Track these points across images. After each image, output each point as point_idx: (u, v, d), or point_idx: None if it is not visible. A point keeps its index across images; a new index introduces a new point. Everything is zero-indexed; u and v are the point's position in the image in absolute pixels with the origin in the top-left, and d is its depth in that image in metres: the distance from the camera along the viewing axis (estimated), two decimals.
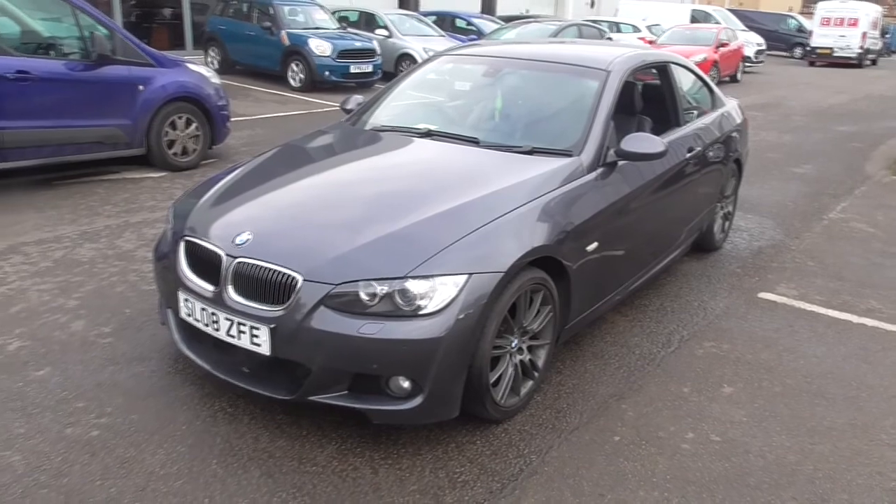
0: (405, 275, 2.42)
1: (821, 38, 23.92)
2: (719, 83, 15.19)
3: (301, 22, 12.46)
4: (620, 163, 3.30)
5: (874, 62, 25.69)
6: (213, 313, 2.60)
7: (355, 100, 4.15)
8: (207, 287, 2.65)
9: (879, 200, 6.53)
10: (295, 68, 11.94)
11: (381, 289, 2.41)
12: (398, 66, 13.46)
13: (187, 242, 2.80)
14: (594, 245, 3.05)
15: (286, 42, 11.92)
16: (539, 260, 2.74)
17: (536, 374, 2.91)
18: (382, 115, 3.83)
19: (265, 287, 2.52)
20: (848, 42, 23.49)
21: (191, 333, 2.87)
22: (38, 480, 2.36)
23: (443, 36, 14.46)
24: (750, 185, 6.73)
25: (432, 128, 3.53)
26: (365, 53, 12.23)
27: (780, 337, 3.67)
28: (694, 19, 21.82)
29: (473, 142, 3.36)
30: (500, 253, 2.58)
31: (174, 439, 2.61)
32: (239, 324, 2.53)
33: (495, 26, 15.68)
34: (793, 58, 27.01)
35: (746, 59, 18.46)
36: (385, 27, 13.88)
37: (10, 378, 2.94)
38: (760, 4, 38.07)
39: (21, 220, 4.85)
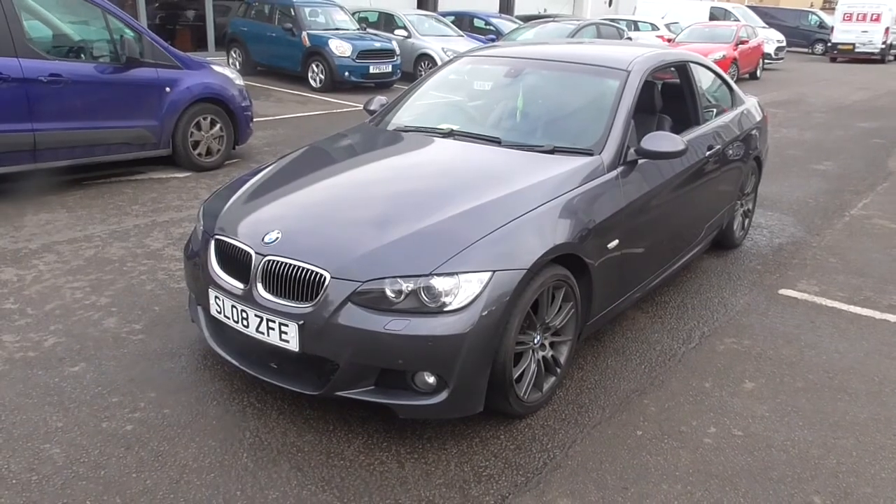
0: (430, 272, 2.47)
1: (843, 33, 23.60)
2: (739, 80, 15.07)
3: (321, 23, 12.58)
4: (641, 161, 3.33)
5: (895, 58, 25.28)
6: (242, 310, 2.68)
7: (378, 101, 4.22)
8: (237, 285, 2.73)
9: None
10: (315, 69, 12.05)
11: (406, 286, 2.47)
12: (417, 66, 13.54)
13: (217, 241, 2.88)
14: (615, 242, 3.08)
15: (307, 43, 12.04)
16: (561, 257, 2.78)
17: (559, 369, 2.95)
18: (405, 115, 3.90)
19: (294, 284, 2.59)
20: (870, 38, 23.14)
21: (220, 330, 2.95)
22: (77, 472, 2.44)
23: (461, 36, 14.51)
24: (771, 182, 6.70)
25: (455, 128, 3.58)
26: (384, 54, 12.31)
27: (802, 333, 3.68)
28: (713, 17, 21.63)
29: (495, 141, 3.40)
30: (524, 250, 2.63)
31: (205, 433, 2.69)
32: (268, 320, 2.60)
33: (514, 26, 15.69)
34: (814, 54, 26.69)
35: (766, 56, 18.28)
36: (404, 27, 13.96)
37: (48, 373, 3.04)
38: (781, 1, 37.65)
39: (53, 219, 4.99)
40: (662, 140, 3.24)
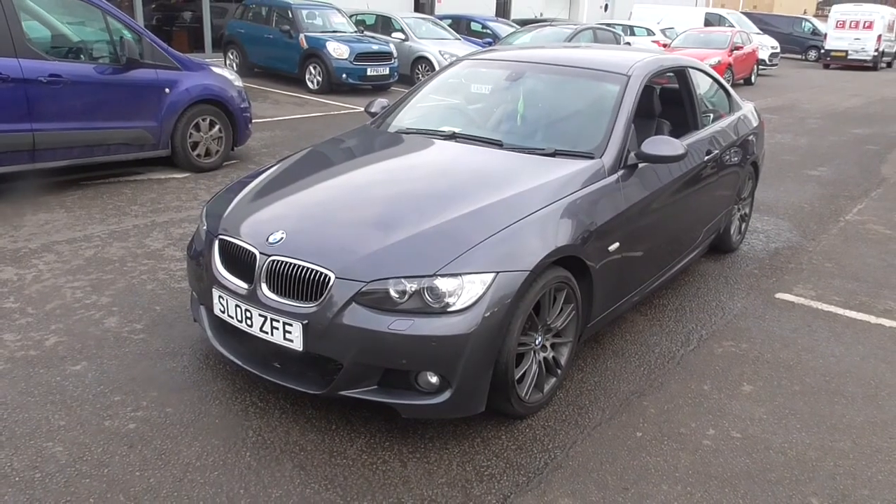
0: (434, 273, 2.50)
1: (835, 40, 23.81)
2: (734, 86, 15.17)
3: (319, 25, 12.60)
4: (641, 165, 3.36)
5: (889, 65, 25.53)
6: (246, 310, 2.69)
7: (379, 103, 4.24)
8: (241, 284, 2.74)
9: (895, 203, 6.54)
10: (313, 71, 12.07)
11: (410, 286, 2.49)
12: (414, 69, 13.58)
13: (221, 241, 2.89)
14: (615, 245, 3.11)
15: (304, 45, 12.06)
16: (563, 259, 2.81)
17: (559, 370, 2.98)
18: (407, 117, 3.92)
19: (298, 284, 2.60)
20: (863, 45, 23.36)
21: (223, 330, 2.96)
22: (80, 470, 2.45)
23: (458, 39, 14.56)
24: (766, 188, 6.75)
25: (456, 130, 3.61)
26: (382, 56, 12.34)
27: (799, 337, 3.71)
28: (708, 22, 21.78)
29: (497, 144, 3.43)
30: (526, 252, 2.65)
31: (208, 432, 2.70)
32: (272, 320, 2.62)
33: (510, 30, 15.76)
34: (807, 61, 26.91)
35: (761, 62, 18.41)
36: (402, 30, 14.00)
37: (49, 372, 3.05)
38: (775, 7, 37.91)
39: (52, 219, 4.98)
40: (662, 144, 3.27)
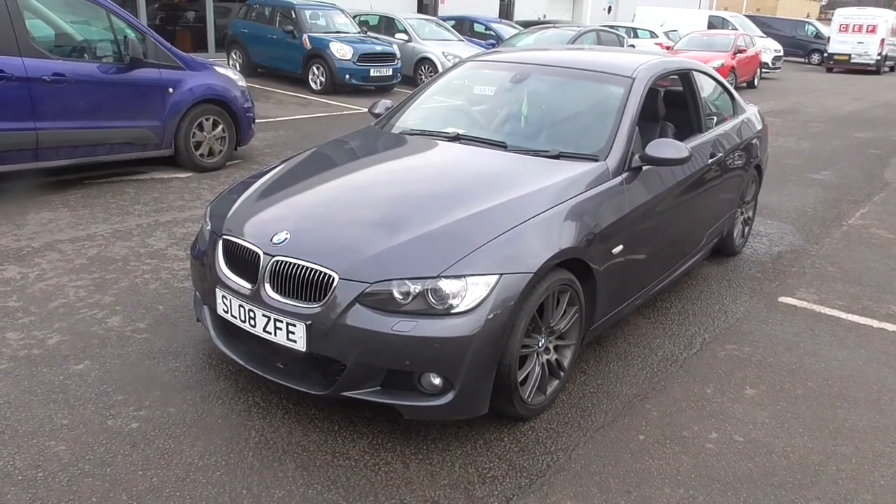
0: (438, 274, 2.50)
1: (839, 44, 23.79)
2: (737, 89, 15.16)
3: (322, 26, 12.61)
4: (644, 168, 3.36)
5: (893, 69, 25.49)
6: (250, 310, 2.69)
7: (384, 104, 4.24)
8: (245, 285, 2.75)
9: None
10: (316, 71, 12.08)
11: (414, 288, 2.49)
12: (417, 70, 13.59)
13: (225, 241, 2.90)
14: (619, 248, 3.11)
15: (308, 45, 12.07)
16: (567, 261, 2.80)
17: (562, 373, 2.98)
18: (411, 118, 3.92)
19: (302, 285, 2.60)
20: (866, 49, 23.34)
21: (226, 330, 2.97)
22: (83, 469, 2.45)
23: (462, 40, 14.56)
24: (769, 191, 6.75)
25: (460, 132, 3.61)
26: (385, 57, 12.35)
27: (801, 340, 3.71)
28: (711, 25, 21.78)
29: (501, 146, 3.43)
30: (530, 254, 2.65)
31: (211, 432, 2.70)
32: (275, 320, 2.62)
33: (514, 31, 15.76)
34: (810, 64, 26.88)
35: (764, 65, 18.40)
36: (405, 31, 14.01)
37: (52, 371, 3.05)
38: (778, 11, 37.89)
39: (56, 218, 4.99)
40: (667, 147, 3.27)
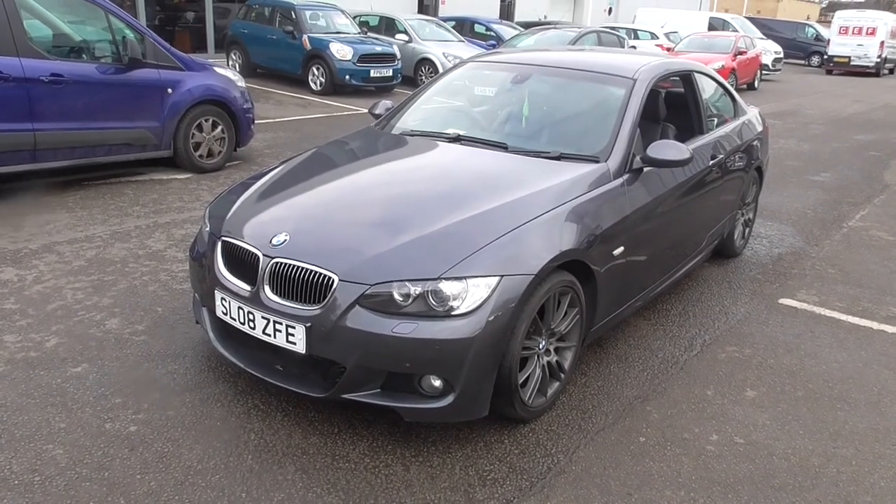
0: (439, 276, 2.49)
1: (839, 46, 23.80)
2: (737, 91, 15.15)
3: (322, 26, 12.60)
4: (646, 169, 3.35)
5: (892, 71, 25.50)
6: (249, 312, 2.68)
7: (384, 105, 4.23)
8: (244, 286, 2.73)
9: None
10: (316, 72, 12.07)
11: (414, 289, 2.47)
12: (417, 70, 13.58)
13: (224, 243, 2.88)
14: (620, 250, 3.10)
15: (308, 46, 12.06)
16: (567, 263, 2.79)
17: (563, 375, 2.96)
18: (411, 119, 3.91)
19: (301, 287, 2.59)
20: (866, 51, 23.35)
21: (225, 332, 2.95)
22: (81, 473, 2.43)
23: (462, 41, 14.56)
24: (769, 193, 6.74)
25: (461, 133, 3.60)
26: (385, 58, 12.34)
27: (802, 342, 3.70)
28: (712, 27, 21.78)
29: (502, 147, 3.42)
30: (531, 256, 2.64)
31: (210, 435, 2.68)
32: (275, 322, 2.61)
33: (514, 32, 15.76)
34: (810, 66, 26.88)
35: (764, 67, 18.40)
36: (405, 32, 14.01)
37: (50, 374, 3.03)
38: (778, 13, 37.91)
39: (54, 219, 4.98)
40: (668, 148, 3.26)
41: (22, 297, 3.75)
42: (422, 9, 20.06)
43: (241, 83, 6.87)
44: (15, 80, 5.10)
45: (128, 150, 5.94)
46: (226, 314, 2.80)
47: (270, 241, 2.71)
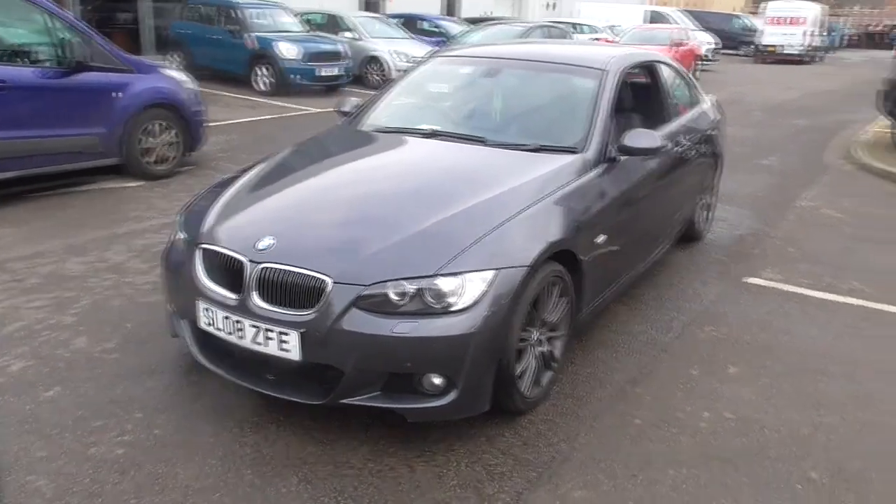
0: (435, 273, 2.46)
1: (769, 36, 24.80)
2: None
3: (267, 25, 12.32)
4: (621, 158, 3.40)
5: (819, 59, 26.73)
6: (237, 321, 2.58)
7: (351, 102, 4.15)
8: (229, 295, 2.63)
9: (842, 188, 6.85)
10: (262, 72, 11.80)
11: (411, 288, 2.44)
12: (366, 69, 13.44)
13: (204, 251, 2.77)
14: (602, 238, 3.14)
15: (252, 46, 11.77)
16: (556, 253, 2.80)
17: (555, 364, 2.98)
18: (383, 116, 3.85)
19: (292, 291, 2.52)
20: (795, 40, 24.39)
21: (207, 343, 2.84)
22: (70, 503, 2.30)
23: (410, 38, 14.48)
24: (723, 178, 6.93)
25: (437, 128, 3.57)
26: (334, 56, 12.17)
27: (773, 319, 3.83)
28: (651, 20, 22.33)
29: (480, 141, 3.41)
30: (524, 247, 2.64)
31: (203, 452, 2.58)
32: (266, 330, 2.52)
33: (461, 28, 15.78)
34: (742, 56, 27.90)
35: (703, 57, 18.98)
36: (352, 30, 13.82)
37: (20, 400, 2.86)
38: (709, 5, 39.18)
39: (1, 235, 4.69)
40: (642, 137, 3.32)
41: None
42: (368, 6, 19.85)
43: (192, 84, 6.66)
44: None
45: (75, 158, 5.67)
46: (210, 325, 2.69)
47: (255, 246, 2.62)
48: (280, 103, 11.00)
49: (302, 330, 2.46)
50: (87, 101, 5.59)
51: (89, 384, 2.99)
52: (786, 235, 5.29)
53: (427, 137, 3.52)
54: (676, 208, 4.28)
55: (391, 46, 13.40)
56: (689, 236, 4.95)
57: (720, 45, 21.74)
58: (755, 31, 25.70)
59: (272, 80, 11.67)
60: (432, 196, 2.88)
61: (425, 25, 16.77)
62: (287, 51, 11.55)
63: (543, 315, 2.83)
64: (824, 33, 26.00)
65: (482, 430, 2.74)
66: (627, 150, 3.33)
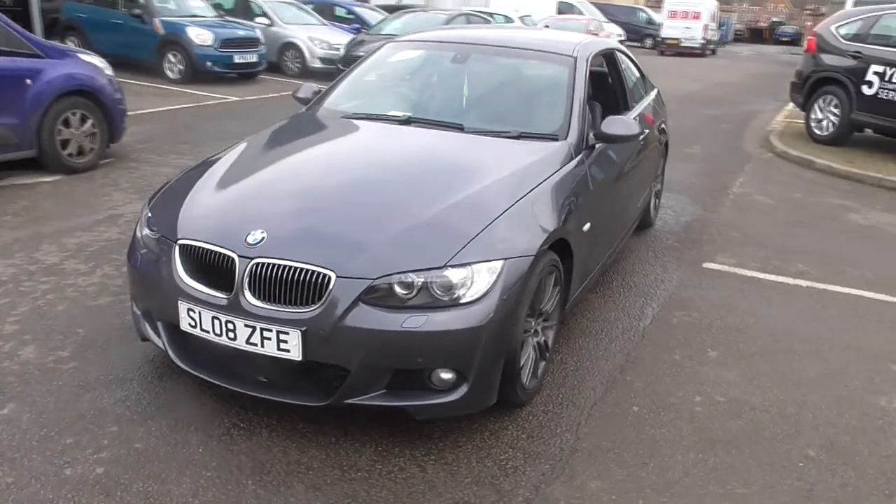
0: (444, 264, 2.36)
1: (669, 29, 26.00)
2: None
3: (174, 9, 11.57)
4: (598, 146, 3.41)
5: (714, 52, 28.33)
6: (228, 321, 2.38)
7: (309, 87, 3.94)
8: (218, 294, 2.42)
9: (767, 176, 7.26)
10: (172, 59, 11.09)
11: (418, 280, 2.33)
12: (282, 56, 12.94)
13: (184, 247, 2.54)
14: (588, 225, 3.14)
15: (161, 31, 11.03)
16: (552, 242, 2.77)
17: (548, 354, 2.96)
18: (352, 102, 3.68)
19: (290, 288, 2.35)
20: (693, 34, 25.72)
21: (186, 346, 2.62)
22: None
23: (326, 25, 14.06)
24: None
25: (410, 114, 3.44)
26: (249, 43, 11.62)
27: (736, 302, 3.99)
28: (560, 11, 22.85)
29: (457, 128, 3.32)
30: (528, 236, 2.60)
31: (195, 464, 2.37)
32: (262, 330, 2.34)
33: (378, 16, 15.50)
34: (644, 48, 29.13)
35: None
36: (265, 15, 13.25)
37: None
38: None
39: None
40: (620, 124, 3.35)
41: None
42: None
43: (109, 70, 6.15)
44: None
45: None
46: (195, 326, 2.47)
47: (245, 241, 2.42)
48: (194, 91, 10.38)
49: (303, 328, 2.30)
50: None
51: (49, 398, 2.68)
52: (727, 221, 5.54)
53: (402, 124, 3.38)
54: (640, 195, 4.37)
55: (308, 33, 12.96)
56: (642, 223, 5.07)
57: (624, 38, 22.55)
58: (658, 24, 26.86)
59: (183, 67, 11.00)
60: (427, 185, 2.78)
61: (341, 12, 16.34)
62: (199, 37, 10.91)
63: (541, 305, 2.80)
64: (716, 27, 27.58)
65: (484, 424, 2.68)
66: (606, 138, 3.34)
